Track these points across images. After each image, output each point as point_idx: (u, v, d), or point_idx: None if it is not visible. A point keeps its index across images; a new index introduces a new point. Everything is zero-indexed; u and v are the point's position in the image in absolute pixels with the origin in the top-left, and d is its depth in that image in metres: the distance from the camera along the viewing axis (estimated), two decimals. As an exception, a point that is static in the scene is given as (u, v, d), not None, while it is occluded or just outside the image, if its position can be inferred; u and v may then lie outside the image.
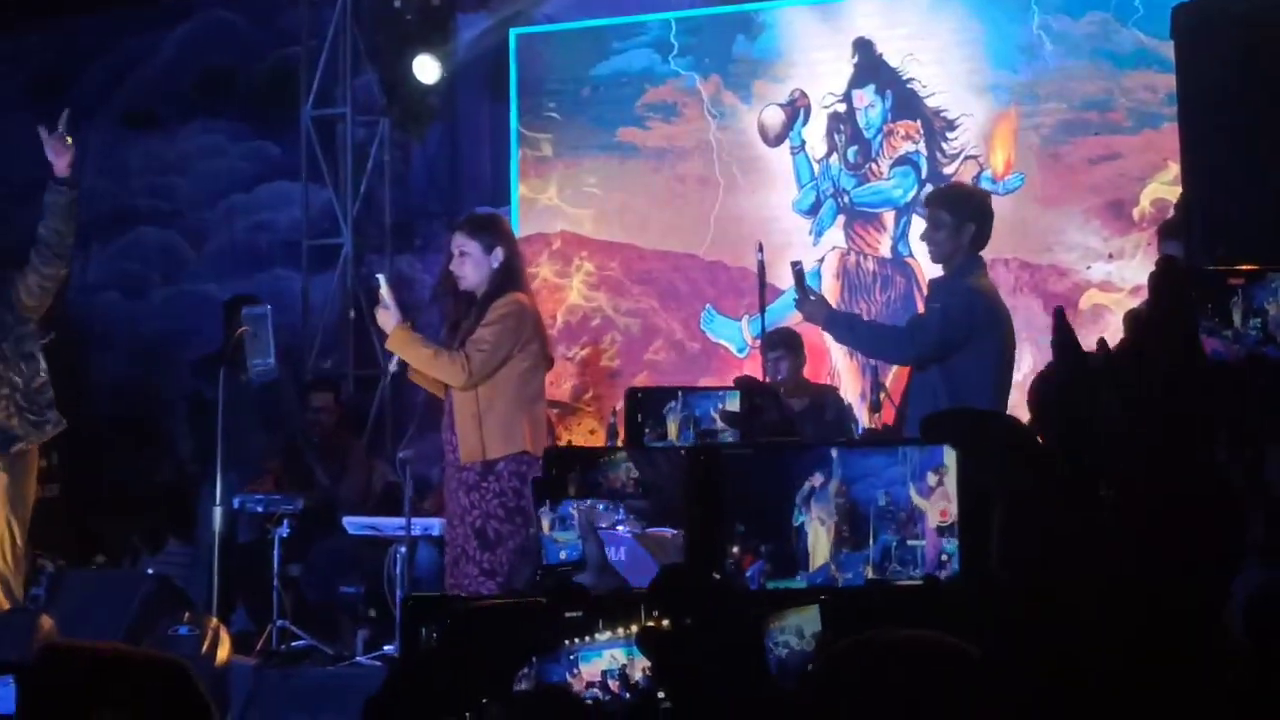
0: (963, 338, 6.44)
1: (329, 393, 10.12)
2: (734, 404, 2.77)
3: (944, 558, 2.23)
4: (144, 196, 12.02)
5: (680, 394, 2.97)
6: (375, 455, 10.20)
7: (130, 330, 11.92)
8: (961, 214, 6.62)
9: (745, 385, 2.66)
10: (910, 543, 2.20)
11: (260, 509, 8.76)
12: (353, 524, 8.71)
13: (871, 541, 2.19)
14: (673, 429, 2.94)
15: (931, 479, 2.21)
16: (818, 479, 2.15)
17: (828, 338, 8.83)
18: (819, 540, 2.15)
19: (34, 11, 11.34)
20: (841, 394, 9.33)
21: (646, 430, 2.99)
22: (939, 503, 2.22)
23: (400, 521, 8.04)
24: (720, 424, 2.85)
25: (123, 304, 11.98)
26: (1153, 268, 2.17)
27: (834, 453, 2.17)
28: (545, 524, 4.07)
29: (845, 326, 7.08)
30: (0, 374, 7.00)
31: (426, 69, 10.99)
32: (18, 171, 10.02)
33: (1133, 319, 1.92)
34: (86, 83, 12.03)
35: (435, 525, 8.11)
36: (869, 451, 2.21)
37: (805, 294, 6.64)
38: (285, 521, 8.51)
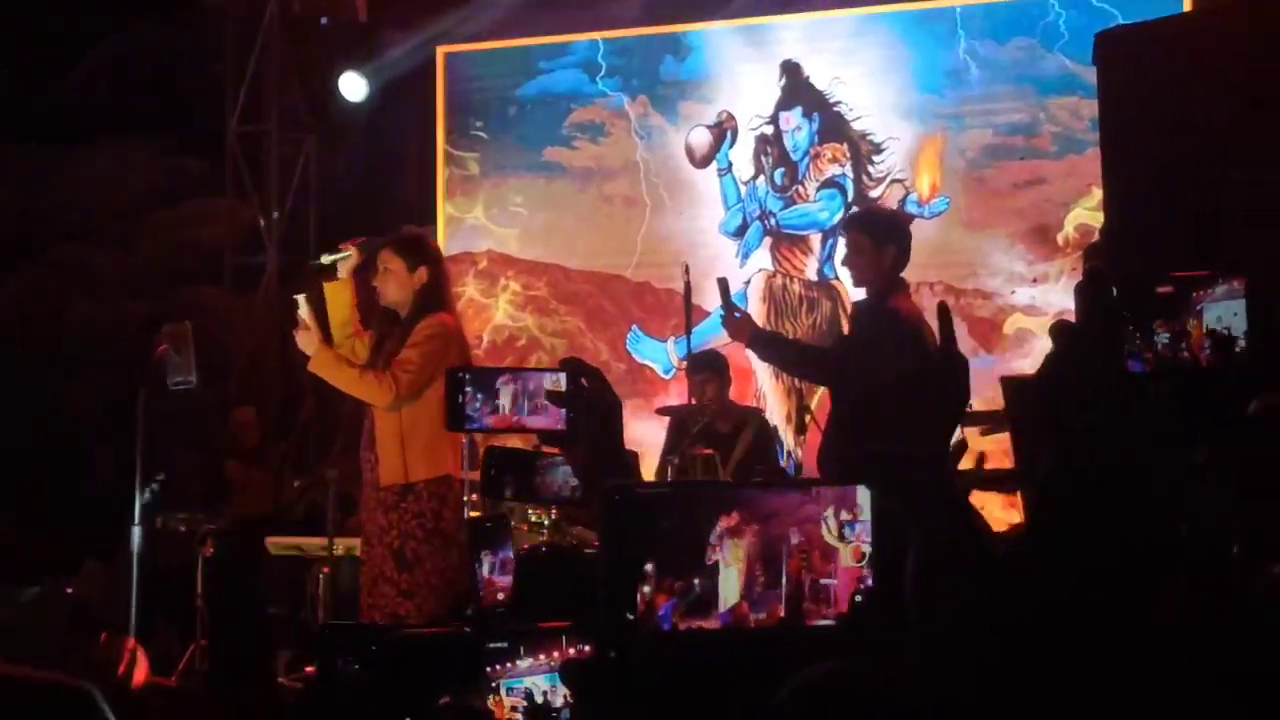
0: (886, 360, 6.41)
1: (250, 409, 10.05)
2: (560, 383, 2.81)
3: (857, 597, 2.22)
4: (64, 212, 11.88)
5: (508, 373, 3.12)
6: (299, 473, 10.12)
7: (50, 347, 11.78)
8: (880, 237, 6.60)
9: (572, 366, 2.67)
10: (823, 581, 2.19)
11: (183, 528, 8.68)
12: (275, 544, 8.64)
13: (784, 580, 2.18)
14: (506, 402, 3.04)
15: (845, 516, 2.20)
16: (732, 518, 2.14)
17: (754, 359, 8.82)
18: (731, 579, 2.13)
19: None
20: (767, 416, 9.32)
21: (479, 405, 3.12)
22: (853, 541, 2.22)
23: (323, 541, 7.99)
24: (545, 401, 2.94)
25: (43, 320, 11.83)
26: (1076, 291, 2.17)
27: (748, 492, 2.16)
28: (485, 567, 4.02)
29: (769, 345, 7.06)
30: None
31: (353, 86, 10.96)
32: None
33: (1058, 330, 1.93)
34: (5, 96, 11.89)
35: (359, 544, 8.05)
36: (783, 489, 2.19)
37: (730, 311, 6.60)
38: (209, 540, 8.44)
